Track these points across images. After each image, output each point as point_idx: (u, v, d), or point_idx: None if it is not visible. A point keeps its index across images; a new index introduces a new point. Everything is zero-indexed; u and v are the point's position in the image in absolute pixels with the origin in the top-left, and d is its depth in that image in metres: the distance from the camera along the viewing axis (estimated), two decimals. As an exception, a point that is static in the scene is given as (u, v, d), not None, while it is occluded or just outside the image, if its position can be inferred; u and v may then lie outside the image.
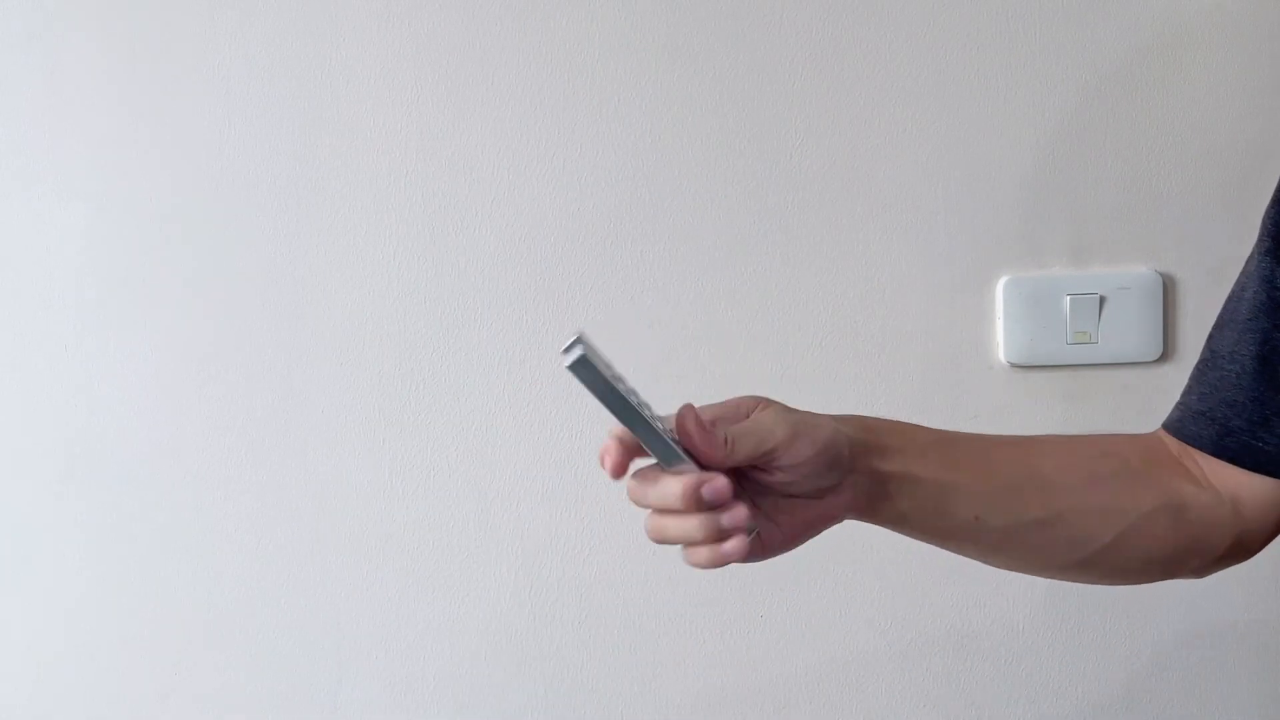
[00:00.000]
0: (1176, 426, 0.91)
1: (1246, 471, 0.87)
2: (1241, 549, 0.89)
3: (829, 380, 1.19)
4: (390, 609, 1.24)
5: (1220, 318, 0.90)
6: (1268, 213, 0.87)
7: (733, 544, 0.74)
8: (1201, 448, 0.88)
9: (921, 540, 0.86)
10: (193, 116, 1.19)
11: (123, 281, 1.21)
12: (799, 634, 1.23)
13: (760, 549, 0.80)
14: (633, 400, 0.70)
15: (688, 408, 0.75)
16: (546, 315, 1.20)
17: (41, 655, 1.26)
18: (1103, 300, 1.17)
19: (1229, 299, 0.90)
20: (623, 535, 1.22)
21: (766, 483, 0.78)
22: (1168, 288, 1.17)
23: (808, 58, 1.17)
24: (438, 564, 1.24)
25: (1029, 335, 1.17)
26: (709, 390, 1.18)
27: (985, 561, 0.90)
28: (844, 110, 1.17)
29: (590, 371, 0.66)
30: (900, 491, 0.82)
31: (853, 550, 1.21)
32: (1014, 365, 1.18)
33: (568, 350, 0.67)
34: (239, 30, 1.18)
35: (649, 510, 0.77)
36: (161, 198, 1.20)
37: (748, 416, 0.78)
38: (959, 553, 0.88)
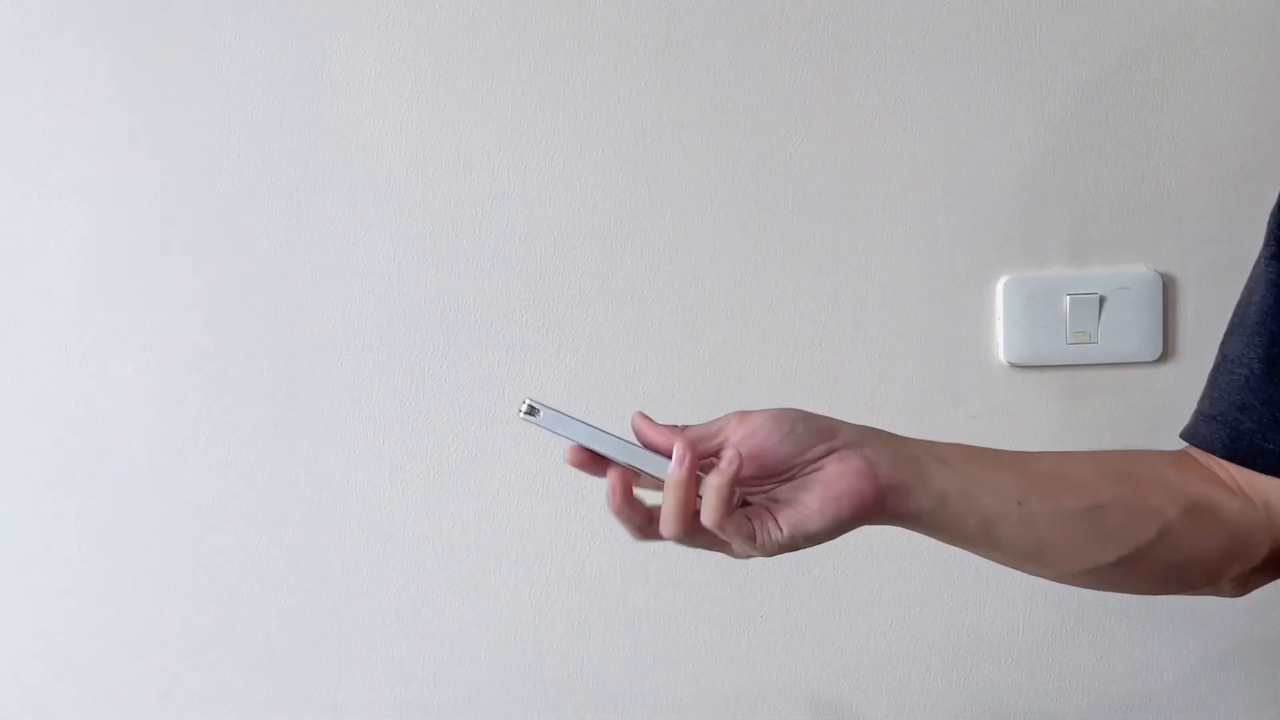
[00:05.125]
0: (1190, 433, 0.91)
1: (1271, 477, 0.86)
2: (1278, 561, 0.88)
3: (829, 380, 1.19)
4: (390, 609, 1.24)
5: (1230, 323, 0.90)
6: (1273, 217, 0.87)
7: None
8: (1214, 451, 0.88)
9: (957, 540, 0.84)
10: (192, 116, 1.19)
11: (123, 281, 1.21)
12: (799, 634, 1.23)
13: (784, 535, 0.79)
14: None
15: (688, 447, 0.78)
16: (546, 315, 1.20)
17: (41, 654, 1.25)
18: (1103, 300, 1.17)
19: (1239, 304, 0.90)
20: (623, 535, 1.22)
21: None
22: (1168, 288, 1.17)
23: (808, 58, 1.17)
24: (438, 564, 1.24)
25: (1029, 335, 1.17)
26: (708, 390, 1.19)
27: (1024, 565, 0.87)
28: (844, 110, 1.17)
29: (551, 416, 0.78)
30: (935, 470, 0.81)
31: (852, 550, 1.21)
32: (1014, 365, 1.18)
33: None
34: (238, 30, 1.18)
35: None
36: (161, 198, 1.20)
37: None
38: (998, 553, 0.85)
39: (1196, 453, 0.90)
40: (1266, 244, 0.87)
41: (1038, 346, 1.18)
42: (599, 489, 1.22)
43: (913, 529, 0.83)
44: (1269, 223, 0.87)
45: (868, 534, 1.20)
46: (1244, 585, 0.90)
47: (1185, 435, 0.91)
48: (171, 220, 1.20)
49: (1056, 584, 1.20)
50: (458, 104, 1.18)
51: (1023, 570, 0.88)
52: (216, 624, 1.24)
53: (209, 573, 1.24)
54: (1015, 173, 1.17)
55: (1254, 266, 0.89)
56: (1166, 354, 1.17)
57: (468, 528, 1.23)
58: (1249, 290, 0.89)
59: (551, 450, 1.21)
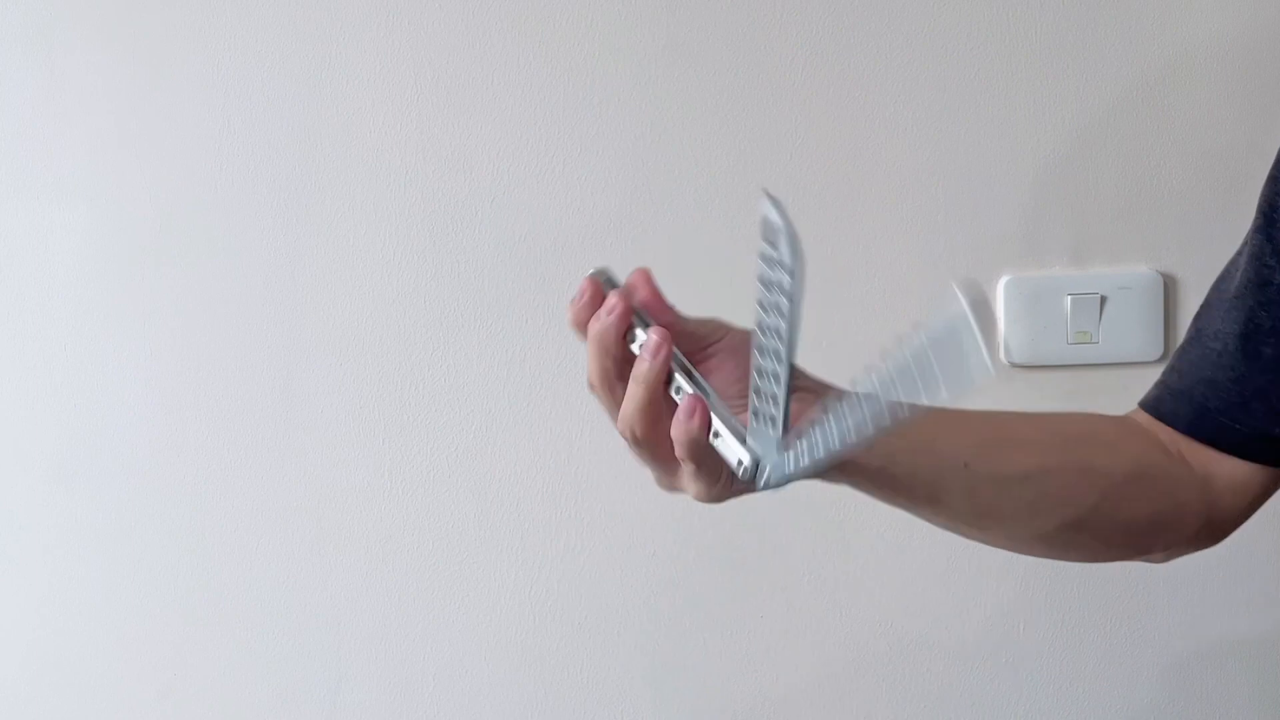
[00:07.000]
0: (1154, 405, 0.89)
1: (1221, 453, 0.85)
2: (1210, 533, 0.88)
3: (829, 380, 1.19)
4: (390, 609, 1.24)
5: (1208, 296, 0.89)
6: (1263, 191, 0.85)
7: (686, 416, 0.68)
8: (1177, 427, 0.87)
9: (900, 500, 0.80)
10: (192, 116, 1.19)
11: (122, 282, 1.21)
12: (799, 634, 1.23)
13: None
14: None
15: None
16: (546, 315, 1.20)
17: (40, 655, 1.25)
18: (1103, 300, 1.16)
19: (1220, 278, 0.89)
20: (623, 535, 1.22)
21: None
22: (1168, 288, 1.17)
23: (808, 57, 1.17)
24: (438, 564, 1.24)
25: (1029, 335, 1.17)
26: (709, 390, 1.19)
27: (968, 529, 0.84)
28: (844, 109, 1.17)
29: None
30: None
31: (853, 550, 1.21)
32: (1014, 365, 1.18)
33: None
34: (238, 30, 1.18)
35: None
36: (161, 198, 1.20)
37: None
38: (942, 516, 0.82)
39: (1141, 416, 0.89)
40: (1255, 217, 0.85)
41: (1038, 346, 1.17)
42: (599, 489, 1.22)
43: (858, 485, 0.79)
44: (1261, 195, 0.85)
45: (868, 534, 1.21)
46: (1171, 553, 0.89)
47: (1147, 406, 0.89)
48: (171, 219, 1.20)
49: (1056, 584, 1.20)
50: (458, 104, 1.18)
51: (967, 536, 0.85)
52: (216, 624, 1.24)
53: (208, 572, 1.24)
54: (1016, 172, 1.17)
55: (1242, 243, 0.87)
56: (1167, 354, 1.17)
57: (468, 528, 1.23)
58: (1232, 264, 0.87)
59: (551, 450, 1.22)
